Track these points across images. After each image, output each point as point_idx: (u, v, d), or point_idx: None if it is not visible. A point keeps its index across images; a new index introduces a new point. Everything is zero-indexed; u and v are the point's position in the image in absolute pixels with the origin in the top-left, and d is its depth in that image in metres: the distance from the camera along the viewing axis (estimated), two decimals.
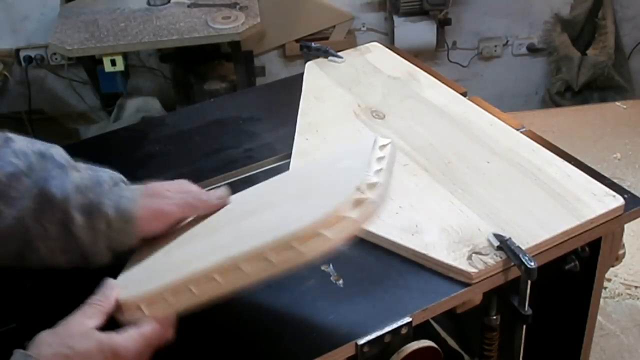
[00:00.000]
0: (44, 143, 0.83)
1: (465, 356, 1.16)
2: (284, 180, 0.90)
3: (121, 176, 0.85)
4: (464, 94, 1.19)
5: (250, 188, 0.91)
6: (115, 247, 0.82)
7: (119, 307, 0.76)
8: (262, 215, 0.79)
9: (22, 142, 0.81)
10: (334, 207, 0.70)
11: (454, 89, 1.19)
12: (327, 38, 2.85)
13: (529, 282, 0.83)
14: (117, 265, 0.83)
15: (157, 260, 0.82)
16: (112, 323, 0.75)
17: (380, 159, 0.79)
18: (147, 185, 0.84)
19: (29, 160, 0.80)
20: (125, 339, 0.72)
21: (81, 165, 0.83)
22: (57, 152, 0.83)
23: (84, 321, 0.72)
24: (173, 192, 0.84)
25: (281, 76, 2.53)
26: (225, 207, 0.86)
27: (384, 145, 0.82)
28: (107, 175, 0.83)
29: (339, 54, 1.31)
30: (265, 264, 0.71)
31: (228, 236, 0.79)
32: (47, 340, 0.70)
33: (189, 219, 0.86)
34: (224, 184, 0.90)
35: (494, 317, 0.93)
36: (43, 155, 0.81)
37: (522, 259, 0.81)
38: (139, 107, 2.48)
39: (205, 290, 0.73)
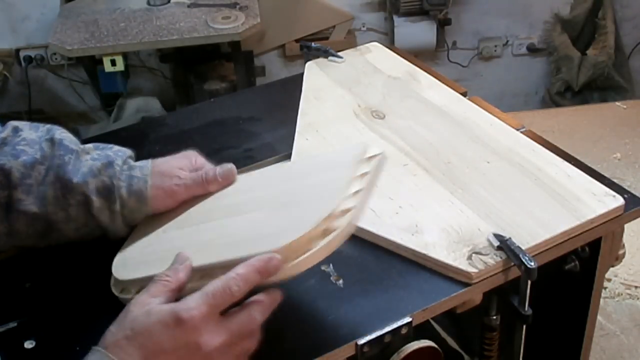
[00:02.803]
0: (45, 126, 0.88)
1: (465, 356, 1.16)
2: (278, 174, 0.91)
3: (129, 152, 0.89)
4: (464, 94, 1.19)
5: (252, 173, 0.92)
6: (131, 222, 0.87)
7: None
8: (247, 216, 0.81)
9: (28, 130, 0.86)
10: (302, 235, 0.71)
11: (454, 89, 1.19)
12: (327, 38, 2.85)
13: (529, 282, 0.83)
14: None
15: (154, 240, 0.84)
16: None
17: (363, 175, 0.78)
18: (155, 162, 0.87)
19: (41, 148, 0.84)
20: (187, 302, 0.67)
21: (89, 147, 0.88)
22: (65, 136, 0.87)
23: (148, 301, 0.69)
24: (183, 172, 0.87)
25: (281, 76, 2.53)
26: (226, 190, 0.88)
27: (372, 157, 0.81)
28: (115, 153, 0.87)
29: (339, 54, 1.31)
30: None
31: (213, 232, 0.81)
32: (110, 330, 0.68)
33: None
34: (241, 174, 0.91)
35: (494, 317, 0.93)
36: (52, 141, 0.85)
37: (522, 259, 0.81)
38: (139, 107, 2.48)
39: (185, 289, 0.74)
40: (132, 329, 0.67)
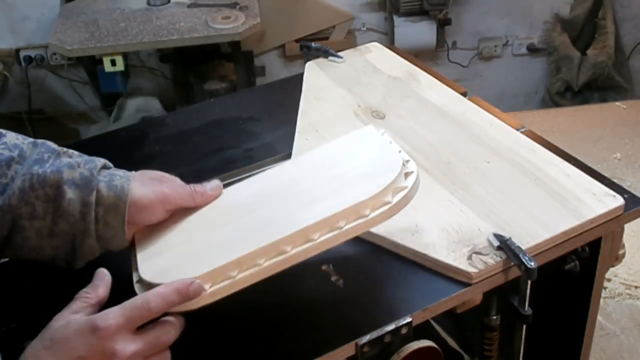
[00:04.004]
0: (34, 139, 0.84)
1: (465, 356, 1.16)
2: (292, 170, 0.88)
3: (111, 165, 0.85)
4: (464, 94, 1.19)
5: (248, 180, 0.89)
6: (101, 232, 0.79)
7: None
8: (301, 196, 0.80)
9: (14, 136, 0.81)
10: (392, 178, 0.77)
11: (454, 89, 1.19)
12: (327, 38, 2.85)
13: (529, 282, 0.83)
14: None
15: (185, 244, 0.79)
16: None
17: (390, 142, 0.84)
18: (138, 171, 0.83)
19: (21, 149, 0.79)
20: (104, 312, 0.69)
21: (74, 152, 0.82)
22: (48, 141, 0.83)
23: (69, 317, 0.70)
24: (171, 179, 0.83)
25: (281, 76, 2.54)
26: (235, 198, 0.85)
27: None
28: (98, 159, 0.82)
29: (339, 54, 1.31)
30: (335, 232, 0.75)
31: (273, 214, 0.79)
32: (30, 344, 0.69)
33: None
34: (224, 184, 0.90)
35: (494, 317, 0.93)
36: (35, 143, 0.81)
37: (522, 259, 0.81)
38: (139, 107, 2.48)
39: (273, 262, 0.74)
40: (50, 340, 0.68)
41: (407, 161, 0.81)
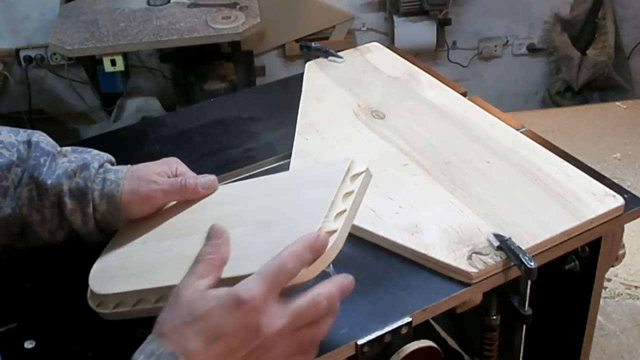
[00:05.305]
0: (26, 130, 0.87)
1: (465, 356, 1.16)
2: (262, 187, 0.87)
3: (108, 156, 0.88)
4: (464, 94, 1.19)
5: (235, 185, 0.90)
6: (104, 227, 0.86)
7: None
8: (230, 232, 0.76)
9: (7, 133, 0.86)
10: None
11: (454, 89, 1.19)
12: (327, 38, 2.85)
13: (529, 282, 0.83)
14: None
15: (133, 251, 0.83)
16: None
17: (347, 194, 0.76)
18: (133, 167, 0.86)
19: (18, 150, 0.84)
20: (245, 283, 0.64)
21: (67, 149, 0.87)
22: (42, 139, 0.87)
23: (198, 283, 0.66)
24: (160, 177, 0.85)
25: (281, 76, 2.53)
26: (207, 199, 0.86)
27: (357, 174, 0.78)
28: (92, 157, 0.86)
29: (339, 54, 1.31)
30: None
31: (195, 247, 0.75)
32: (165, 318, 0.65)
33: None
34: (224, 185, 0.90)
35: (494, 317, 0.93)
36: (29, 143, 0.85)
37: (522, 259, 0.81)
38: (139, 107, 2.48)
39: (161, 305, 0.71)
40: (190, 314, 0.64)
41: (341, 212, 0.73)
